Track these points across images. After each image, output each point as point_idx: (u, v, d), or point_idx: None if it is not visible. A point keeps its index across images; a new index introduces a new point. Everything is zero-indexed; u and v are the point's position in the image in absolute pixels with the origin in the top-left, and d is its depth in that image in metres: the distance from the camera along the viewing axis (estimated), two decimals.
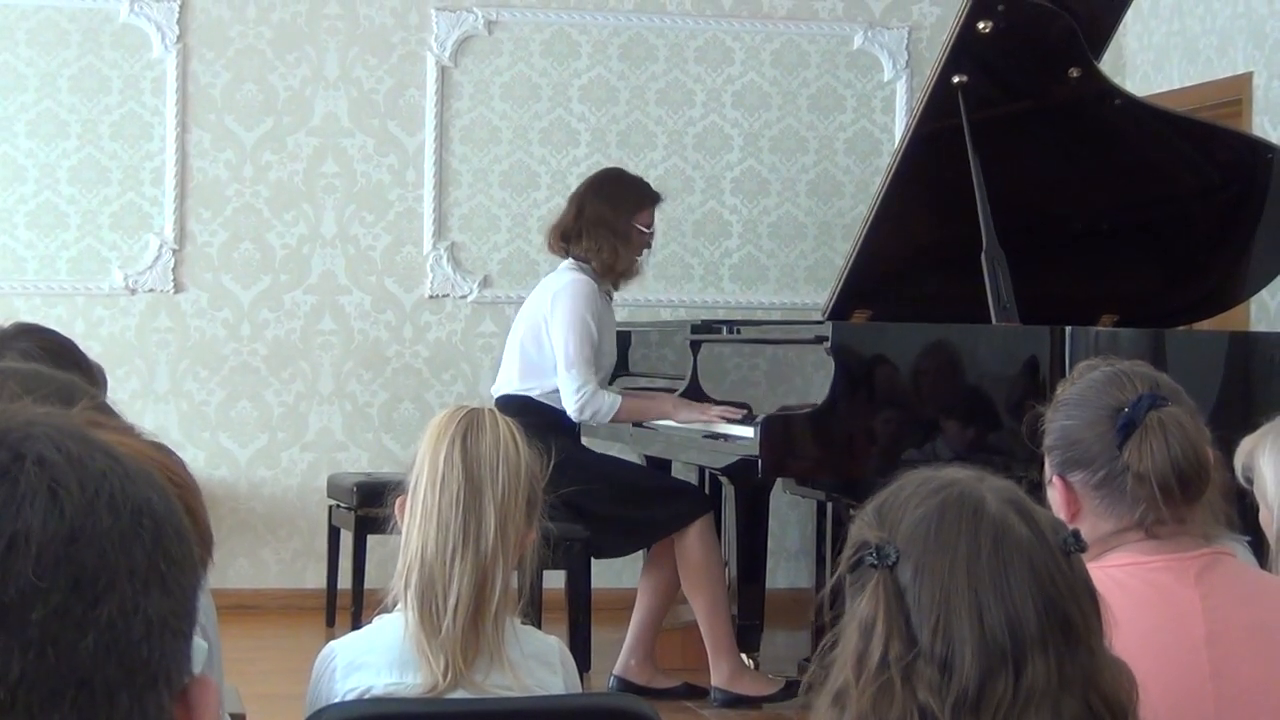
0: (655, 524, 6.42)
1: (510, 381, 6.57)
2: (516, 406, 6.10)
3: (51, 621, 0.99)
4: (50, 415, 1.07)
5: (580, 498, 5.84)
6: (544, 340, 6.48)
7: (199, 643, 1.11)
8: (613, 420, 6.51)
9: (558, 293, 6.47)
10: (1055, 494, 2.65)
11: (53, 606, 0.99)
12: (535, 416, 5.83)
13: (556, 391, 6.46)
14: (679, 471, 7.37)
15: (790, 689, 6.28)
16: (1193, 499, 2.59)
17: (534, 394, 6.47)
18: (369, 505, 7.15)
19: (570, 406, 6.39)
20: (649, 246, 6.77)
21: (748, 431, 6.05)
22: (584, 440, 6.78)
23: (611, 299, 6.70)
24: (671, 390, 6.85)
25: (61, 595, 1.00)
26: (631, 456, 7.29)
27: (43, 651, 0.99)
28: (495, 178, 8.52)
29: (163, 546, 1.05)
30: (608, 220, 6.57)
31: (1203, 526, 2.63)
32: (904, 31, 8.80)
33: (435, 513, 2.94)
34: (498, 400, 6.49)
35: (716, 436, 6.36)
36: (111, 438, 1.27)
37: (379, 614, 3.04)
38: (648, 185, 6.85)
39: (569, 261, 6.59)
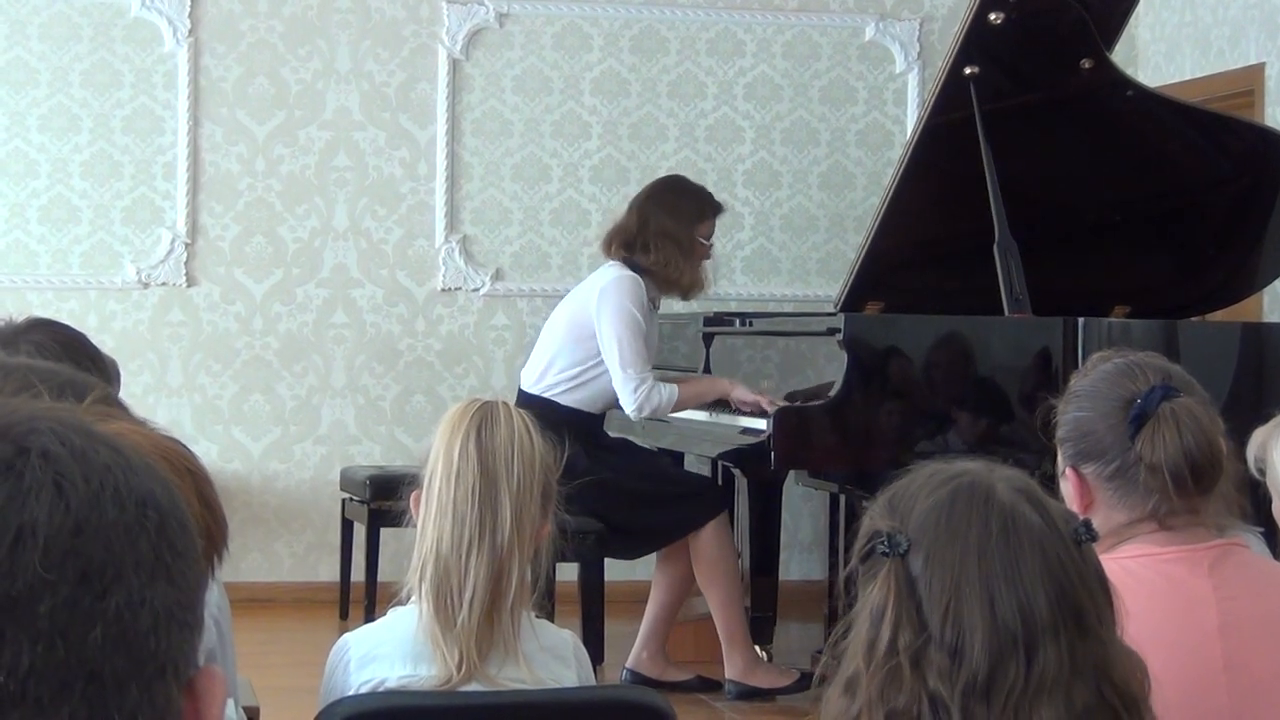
0: (670, 528, 6.39)
1: (537, 375, 6.51)
2: (534, 409, 6.07)
3: (60, 614, 0.99)
4: (53, 409, 1.07)
5: (594, 503, 5.82)
6: (578, 332, 6.42)
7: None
8: (671, 412, 6.46)
9: (604, 289, 6.38)
10: (1068, 486, 2.65)
11: (61, 599, 1.00)
12: (551, 419, 5.83)
13: (569, 380, 6.42)
14: (691, 464, 7.36)
15: (804, 681, 6.27)
16: (1206, 489, 2.58)
17: (558, 392, 6.41)
18: (382, 498, 7.16)
19: (629, 405, 6.31)
20: (709, 257, 6.69)
21: (760, 423, 6.05)
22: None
23: (657, 307, 6.63)
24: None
25: (69, 588, 1.00)
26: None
27: (52, 644, 0.99)
28: (507, 170, 8.52)
29: (167, 538, 1.06)
30: (670, 232, 6.46)
31: (1216, 518, 2.63)
32: (915, 23, 8.79)
33: (450, 506, 2.94)
34: (519, 396, 6.45)
35: (740, 430, 6.34)
36: (120, 428, 1.27)
37: (393, 606, 3.04)
38: (709, 195, 6.73)
39: (615, 264, 6.50)
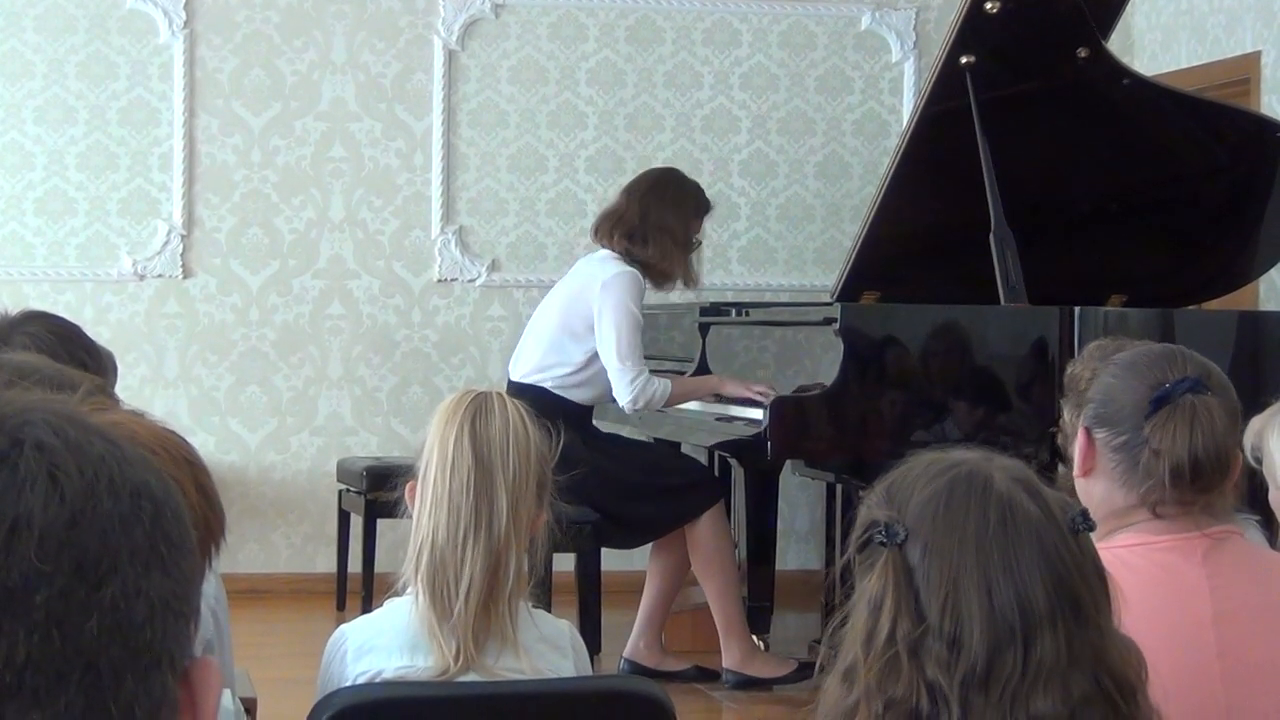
0: (667, 517, 6.39)
1: (528, 363, 6.49)
2: (526, 399, 6.04)
3: (56, 605, 1.00)
4: (47, 401, 1.07)
5: (591, 493, 5.81)
6: (578, 324, 6.40)
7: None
8: (664, 406, 6.44)
9: (608, 282, 6.35)
10: (1078, 443, 2.65)
11: (57, 590, 1.00)
12: (543, 409, 5.81)
13: (573, 376, 6.40)
14: (687, 453, 7.35)
15: (802, 670, 6.27)
16: (1202, 490, 2.58)
17: (549, 381, 6.40)
18: (378, 489, 7.15)
19: (624, 398, 6.30)
20: (692, 254, 6.70)
21: (757, 413, 6.05)
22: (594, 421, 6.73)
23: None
24: (681, 373, 6.83)
25: (65, 579, 1.00)
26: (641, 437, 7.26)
27: (48, 635, 0.99)
28: (503, 161, 8.52)
29: (162, 529, 1.06)
30: (669, 226, 6.48)
31: (1207, 512, 2.62)
32: (911, 12, 8.79)
33: (446, 497, 2.94)
34: (509, 387, 6.43)
35: (732, 419, 6.34)
36: (119, 418, 1.27)
37: (390, 597, 3.04)
38: (704, 192, 6.78)
39: (612, 253, 6.49)
